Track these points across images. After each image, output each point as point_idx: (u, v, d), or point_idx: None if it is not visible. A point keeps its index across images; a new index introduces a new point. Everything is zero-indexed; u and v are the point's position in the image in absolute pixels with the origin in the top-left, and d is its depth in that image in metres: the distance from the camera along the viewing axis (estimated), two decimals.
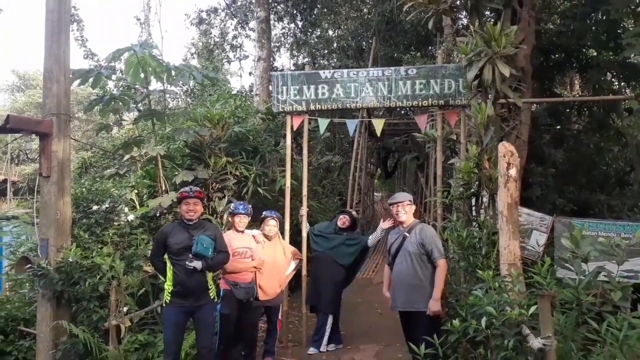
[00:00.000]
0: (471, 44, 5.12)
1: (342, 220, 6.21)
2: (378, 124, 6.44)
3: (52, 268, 5.28)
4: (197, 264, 4.30)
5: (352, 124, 6.75)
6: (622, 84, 11.32)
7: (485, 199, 4.91)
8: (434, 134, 7.84)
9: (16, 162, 24.79)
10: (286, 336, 6.38)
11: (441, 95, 5.98)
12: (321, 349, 5.92)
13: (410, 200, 4.64)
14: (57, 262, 5.35)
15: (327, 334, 5.97)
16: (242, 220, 5.22)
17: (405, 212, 4.55)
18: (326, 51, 17.08)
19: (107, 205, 5.83)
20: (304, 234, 6.37)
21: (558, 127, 13.29)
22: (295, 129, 6.54)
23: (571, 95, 13.87)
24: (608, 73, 10.86)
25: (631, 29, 7.60)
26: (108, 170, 6.64)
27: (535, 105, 10.22)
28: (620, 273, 2.95)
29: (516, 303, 3.15)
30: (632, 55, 8.00)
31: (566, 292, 3.07)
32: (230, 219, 5.34)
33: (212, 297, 4.53)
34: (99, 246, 5.66)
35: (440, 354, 3.62)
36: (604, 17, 8.36)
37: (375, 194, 23.75)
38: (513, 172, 3.91)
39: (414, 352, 3.70)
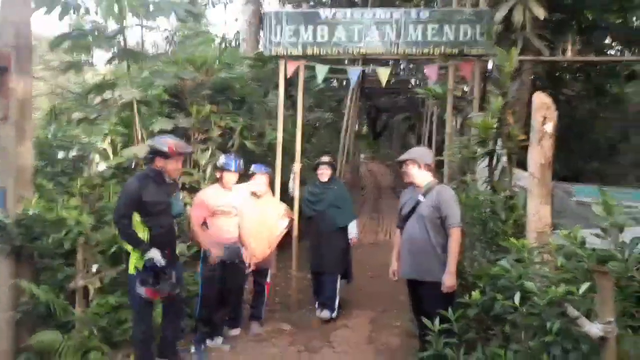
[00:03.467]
0: None
1: (323, 173, 5.57)
2: (383, 74, 5.80)
3: (11, 221, 4.66)
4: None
5: (354, 72, 6.11)
6: (623, 48, 10.89)
7: (503, 159, 4.42)
8: (436, 89, 7.28)
9: None
10: (273, 299, 5.93)
11: (456, 43, 5.36)
12: (333, 315, 5.43)
13: (420, 162, 3.91)
14: (17, 214, 4.73)
15: (337, 297, 5.47)
16: (232, 178, 4.63)
17: (413, 173, 3.90)
18: None
19: (74, 153, 5.17)
20: (296, 194, 5.82)
21: (552, 91, 12.83)
22: (289, 76, 5.88)
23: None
24: (609, 37, 10.37)
25: None
26: (76, 114, 5.94)
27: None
28: None
29: (557, 278, 2.68)
30: (635, 19, 7.48)
31: (612, 266, 2.62)
32: (216, 173, 4.72)
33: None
34: (65, 198, 5.03)
35: (455, 329, 3.19)
36: None
37: (360, 155, 23.23)
38: (549, 127, 3.38)
39: (425, 327, 3.27)
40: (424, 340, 3.65)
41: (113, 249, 4.83)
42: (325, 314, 5.41)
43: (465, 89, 8.00)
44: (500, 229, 3.85)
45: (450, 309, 3.23)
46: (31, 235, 4.69)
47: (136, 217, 3.77)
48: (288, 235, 5.73)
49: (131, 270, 3.81)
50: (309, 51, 5.63)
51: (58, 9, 5.47)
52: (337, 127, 13.58)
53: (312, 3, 13.88)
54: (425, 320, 3.28)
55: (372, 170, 22.29)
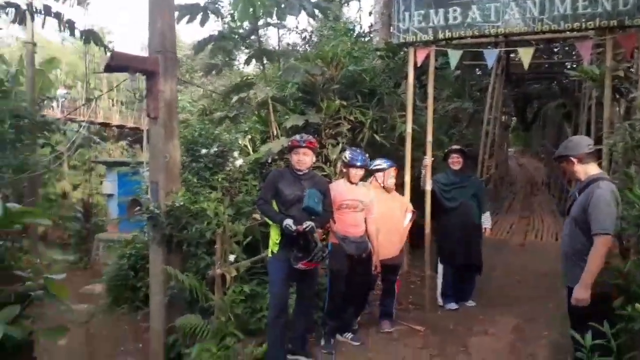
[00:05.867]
0: None
1: (454, 162, 5.48)
2: (525, 55, 5.22)
3: (162, 212, 5.15)
4: (309, 225, 3.84)
5: (491, 55, 5.58)
6: None
7: None
8: (593, 70, 6.37)
9: None
10: (406, 298, 5.69)
11: (613, 14, 4.58)
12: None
13: (574, 155, 3.32)
14: (166, 206, 5.21)
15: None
16: (358, 173, 4.55)
17: (574, 170, 3.34)
18: None
19: (215, 149, 5.53)
20: (427, 188, 5.52)
21: None
22: (419, 64, 5.59)
23: None
24: None
25: None
26: (218, 113, 6.38)
27: None
28: None
29: None
30: None
31: None
32: (343, 168, 4.67)
33: None
34: (208, 191, 5.41)
35: (613, 346, 2.69)
36: None
37: (509, 148, 21.57)
38: None
39: (578, 343, 2.82)
40: (575, 357, 3.15)
41: (248, 240, 5.07)
42: (471, 303, 5.60)
43: (632, 69, 6.88)
44: None
45: (606, 322, 2.74)
46: (179, 225, 5.12)
47: (274, 206, 4.01)
48: (420, 231, 5.50)
49: (269, 252, 4.04)
50: (440, 35, 5.28)
51: (199, 17, 5.91)
52: (481, 118, 12.76)
53: None
54: (576, 335, 2.82)
55: (522, 164, 20.56)
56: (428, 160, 5.53)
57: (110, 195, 14.85)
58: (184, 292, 4.95)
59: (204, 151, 5.59)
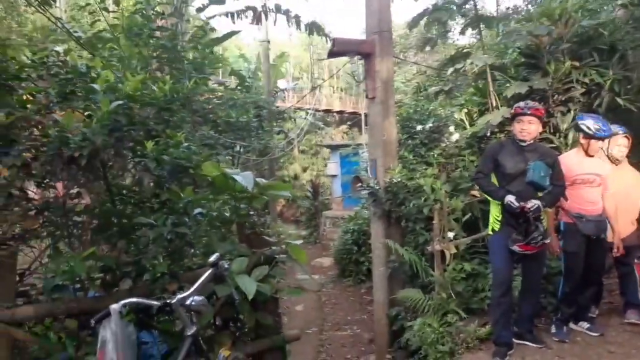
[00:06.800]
0: None
1: None
2: None
3: (381, 188, 5.36)
4: (536, 204, 3.50)
5: None
6: None
7: None
8: None
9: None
10: None
11: None
12: None
13: None
14: (385, 182, 5.40)
15: None
16: (600, 146, 4.01)
17: None
18: None
19: (430, 125, 5.49)
20: None
21: None
22: None
23: None
24: None
25: None
26: (432, 88, 6.28)
27: None
28: None
29: None
30: None
31: None
32: (582, 139, 4.09)
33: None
34: (424, 167, 5.42)
35: None
36: None
37: None
38: None
39: None
40: None
41: (467, 217, 4.93)
42: None
43: None
44: None
45: None
46: (397, 201, 5.27)
47: (493, 178, 3.79)
48: None
49: (490, 230, 3.84)
50: None
51: None
52: None
53: None
54: None
55: None
56: None
57: (334, 176, 16.17)
58: (404, 266, 5.08)
59: (419, 127, 5.61)
